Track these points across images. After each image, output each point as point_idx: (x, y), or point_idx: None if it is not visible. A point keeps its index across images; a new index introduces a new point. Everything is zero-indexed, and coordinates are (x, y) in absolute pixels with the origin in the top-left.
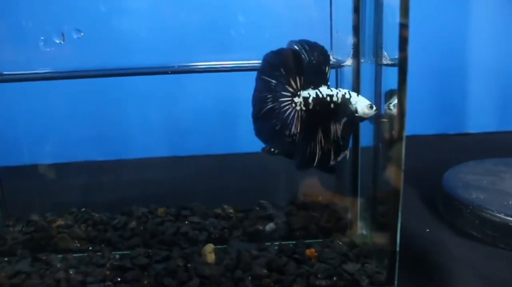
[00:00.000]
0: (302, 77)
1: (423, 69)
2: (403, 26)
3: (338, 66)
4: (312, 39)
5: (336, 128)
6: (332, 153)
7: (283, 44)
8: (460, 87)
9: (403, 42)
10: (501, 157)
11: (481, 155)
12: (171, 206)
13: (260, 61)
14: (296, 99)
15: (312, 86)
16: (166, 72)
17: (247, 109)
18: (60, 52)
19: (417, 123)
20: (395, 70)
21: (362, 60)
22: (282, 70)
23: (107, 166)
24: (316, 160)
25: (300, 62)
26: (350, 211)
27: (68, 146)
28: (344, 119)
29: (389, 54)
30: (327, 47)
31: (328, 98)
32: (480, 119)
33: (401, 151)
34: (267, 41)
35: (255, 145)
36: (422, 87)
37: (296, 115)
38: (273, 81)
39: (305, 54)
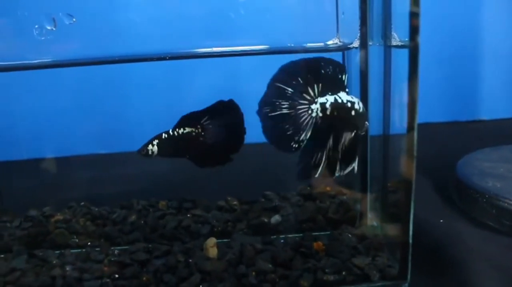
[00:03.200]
0: (319, 85)
1: (434, 55)
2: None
3: (345, 48)
4: (317, 21)
5: (346, 138)
6: (338, 164)
7: (288, 25)
8: (472, 73)
9: (413, 28)
10: None
11: (495, 142)
12: (172, 199)
13: (264, 46)
14: (313, 106)
15: (330, 93)
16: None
17: (250, 101)
18: (58, 40)
19: (428, 111)
20: (405, 52)
21: (370, 43)
22: (299, 79)
23: (107, 159)
24: (320, 170)
25: (317, 71)
26: (359, 201)
27: (67, 139)
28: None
29: (399, 35)
30: (334, 29)
31: (349, 104)
32: (493, 105)
33: (413, 140)
34: (271, 23)
35: (258, 135)
36: (433, 73)
37: (310, 122)
38: (290, 89)
39: (322, 65)
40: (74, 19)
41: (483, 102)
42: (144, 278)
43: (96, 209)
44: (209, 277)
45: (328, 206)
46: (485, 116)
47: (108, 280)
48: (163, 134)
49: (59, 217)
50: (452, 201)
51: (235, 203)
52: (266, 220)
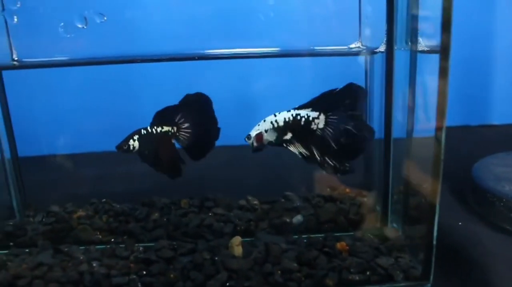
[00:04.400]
0: None
1: None
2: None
3: (371, 52)
4: (340, 25)
5: None
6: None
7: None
8: (483, 77)
9: (445, 25)
10: None
11: (507, 147)
12: (193, 197)
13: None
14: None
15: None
16: (193, 59)
17: (264, 100)
18: (78, 39)
19: None
20: (431, 57)
21: (395, 47)
22: None
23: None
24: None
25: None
26: (379, 203)
27: (87, 136)
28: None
29: (425, 40)
30: (356, 34)
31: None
32: (504, 110)
33: (441, 143)
34: (295, 27)
35: None
36: None
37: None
38: None
39: None
40: (105, 18)
41: (494, 107)
42: (172, 275)
43: (118, 206)
44: (236, 275)
45: (349, 207)
46: (496, 121)
47: (134, 276)
48: (142, 130)
49: (81, 213)
50: (468, 204)
51: (255, 202)
52: (288, 219)
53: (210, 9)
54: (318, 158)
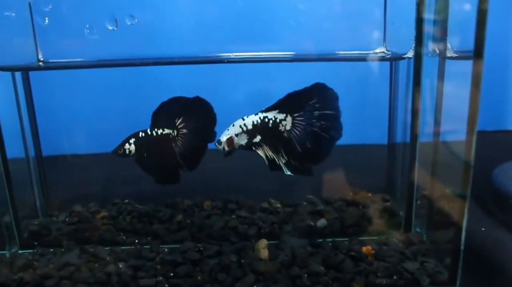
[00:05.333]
0: None
1: None
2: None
3: (395, 58)
4: (365, 30)
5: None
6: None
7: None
8: (500, 82)
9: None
10: None
11: None
12: (216, 199)
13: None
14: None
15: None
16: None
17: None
18: (102, 41)
19: None
20: (458, 63)
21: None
22: None
23: None
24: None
25: None
26: (402, 208)
27: (107, 136)
28: None
29: (453, 46)
30: (381, 39)
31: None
32: None
33: (471, 148)
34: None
35: None
36: None
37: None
38: None
39: None
40: (135, 20)
41: (510, 112)
42: (199, 277)
43: (141, 207)
44: (263, 278)
45: (372, 211)
46: None
47: (161, 278)
48: (140, 132)
49: (104, 213)
50: (489, 210)
51: (278, 205)
52: (312, 223)
53: (234, 13)
54: (284, 161)
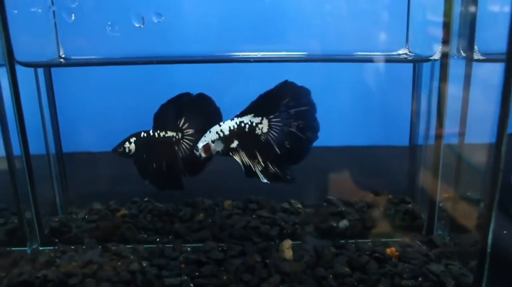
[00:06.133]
0: None
1: None
2: None
3: (420, 60)
4: (387, 31)
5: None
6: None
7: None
8: None
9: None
10: None
11: None
12: (236, 199)
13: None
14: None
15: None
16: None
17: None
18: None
19: None
20: (486, 66)
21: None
22: None
23: None
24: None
25: None
26: (424, 210)
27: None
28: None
29: (480, 48)
30: (403, 40)
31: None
32: None
33: (501, 152)
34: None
35: None
36: None
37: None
38: None
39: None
40: (163, 18)
41: None
42: (225, 277)
43: (161, 205)
44: (289, 279)
45: (394, 213)
46: None
47: (186, 277)
48: (142, 133)
49: (124, 211)
50: (508, 213)
51: (299, 205)
52: (334, 224)
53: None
54: (261, 167)
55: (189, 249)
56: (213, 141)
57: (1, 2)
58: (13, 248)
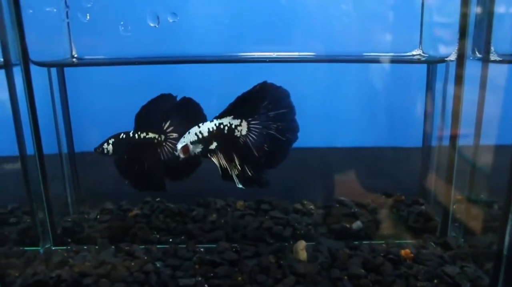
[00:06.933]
0: None
1: None
2: None
3: (436, 61)
4: (399, 32)
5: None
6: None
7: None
8: None
9: None
10: None
11: None
12: (247, 199)
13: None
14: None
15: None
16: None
17: (310, 104)
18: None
19: None
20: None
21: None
22: None
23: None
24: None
25: None
26: (438, 212)
27: None
28: None
29: (496, 49)
30: (417, 41)
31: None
32: None
33: None
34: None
35: (312, 139)
36: None
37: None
38: None
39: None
40: (178, 18)
41: None
42: (239, 278)
43: (172, 206)
44: (303, 280)
45: (407, 215)
46: None
47: (201, 278)
48: (122, 134)
49: (136, 211)
50: None
51: (311, 206)
52: (348, 225)
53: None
54: (237, 171)
55: (202, 249)
56: (192, 143)
57: (17, 1)
58: (26, 248)
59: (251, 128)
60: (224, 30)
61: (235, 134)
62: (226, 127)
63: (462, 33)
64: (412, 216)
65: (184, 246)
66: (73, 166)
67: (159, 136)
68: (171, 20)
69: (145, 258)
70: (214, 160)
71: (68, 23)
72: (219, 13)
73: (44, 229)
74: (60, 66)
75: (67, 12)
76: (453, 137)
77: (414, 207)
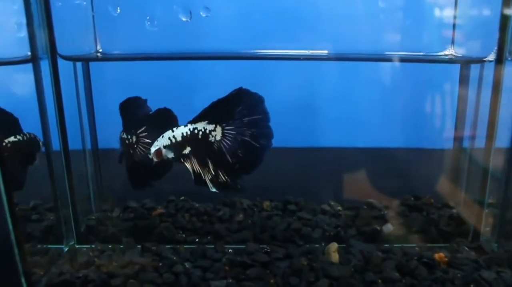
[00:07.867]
0: None
1: None
2: None
3: (473, 61)
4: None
5: None
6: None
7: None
8: None
9: None
10: None
11: None
12: (274, 199)
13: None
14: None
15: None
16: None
17: (328, 103)
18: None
19: None
20: None
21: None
22: None
23: None
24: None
25: None
26: (468, 215)
27: None
28: None
29: None
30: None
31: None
32: None
33: None
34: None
35: (332, 139)
36: None
37: None
38: None
39: None
40: (210, 12)
41: None
42: (272, 281)
43: (197, 205)
44: (337, 283)
45: (438, 218)
46: None
47: (232, 280)
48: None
49: (161, 210)
50: None
51: (339, 208)
52: (378, 227)
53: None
54: (210, 175)
55: (230, 250)
56: (165, 147)
57: None
58: (49, 245)
59: (226, 134)
60: (249, 28)
61: (210, 139)
62: (201, 132)
63: (503, 34)
64: (443, 219)
65: (212, 246)
66: (96, 162)
67: (131, 137)
68: (203, 15)
69: (174, 258)
70: (187, 165)
71: (93, 16)
72: (243, 10)
73: (68, 226)
74: (87, 60)
75: (92, 6)
76: (488, 139)
77: (445, 210)
